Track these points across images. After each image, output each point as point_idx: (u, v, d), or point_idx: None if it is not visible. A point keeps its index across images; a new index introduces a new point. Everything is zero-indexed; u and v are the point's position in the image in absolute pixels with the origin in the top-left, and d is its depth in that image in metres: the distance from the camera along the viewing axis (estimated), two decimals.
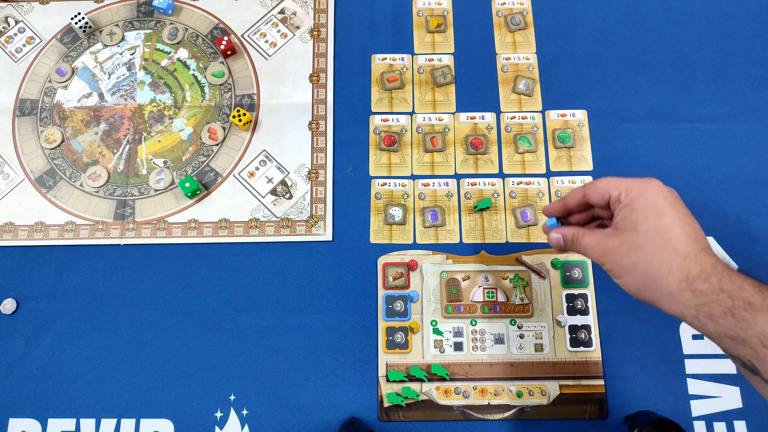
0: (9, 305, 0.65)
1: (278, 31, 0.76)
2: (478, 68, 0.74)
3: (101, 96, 0.74)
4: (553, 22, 0.76)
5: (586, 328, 0.63)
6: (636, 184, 0.44)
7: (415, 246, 0.67)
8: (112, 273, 0.66)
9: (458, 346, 0.63)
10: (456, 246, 0.67)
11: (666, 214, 0.42)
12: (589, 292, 0.65)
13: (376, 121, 0.72)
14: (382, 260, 0.66)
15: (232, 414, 0.61)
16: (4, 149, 0.72)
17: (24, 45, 0.76)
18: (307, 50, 0.75)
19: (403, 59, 0.75)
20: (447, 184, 0.69)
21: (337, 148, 0.71)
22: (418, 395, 0.61)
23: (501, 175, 0.70)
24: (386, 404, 0.61)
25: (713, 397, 0.61)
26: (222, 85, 0.74)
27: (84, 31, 0.76)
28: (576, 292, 0.65)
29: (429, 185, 0.69)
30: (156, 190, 0.70)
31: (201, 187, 0.69)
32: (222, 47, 0.73)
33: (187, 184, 0.67)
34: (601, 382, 0.61)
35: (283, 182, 0.70)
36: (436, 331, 0.63)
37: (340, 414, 0.61)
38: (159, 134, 0.72)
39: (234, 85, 0.74)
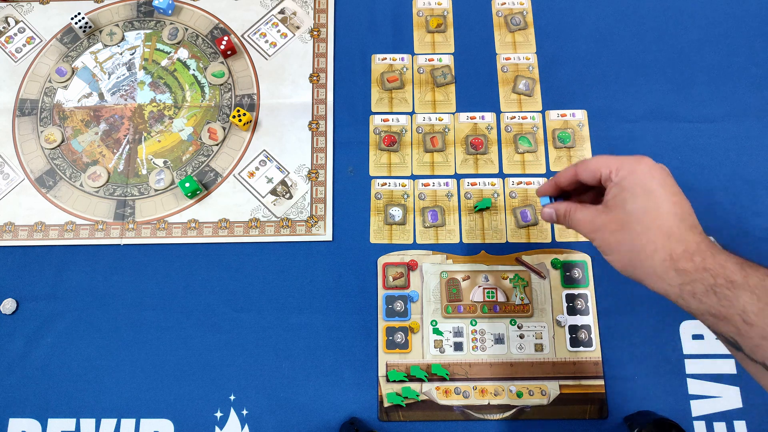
0: (9, 305, 0.65)
1: (278, 31, 0.76)
2: (478, 68, 0.74)
3: (101, 96, 0.74)
4: (553, 22, 0.76)
5: (586, 328, 0.63)
6: (626, 163, 0.44)
7: (415, 246, 0.67)
8: (112, 273, 0.66)
9: (458, 346, 0.63)
10: (456, 246, 0.67)
11: (654, 193, 0.43)
12: (589, 292, 0.65)
13: (376, 121, 0.72)
14: (382, 260, 0.66)
15: (232, 414, 0.61)
16: (4, 149, 0.72)
17: (24, 45, 0.76)
18: (307, 50, 0.75)
19: (403, 59, 0.75)
20: (447, 184, 0.69)
21: (337, 148, 0.71)
22: (418, 395, 0.61)
23: (501, 175, 0.70)
24: (386, 404, 0.61)
25: (713, 397, 0.61)
26: (222, 85, 0.74)
27: (84, 31, 0.76)
28: (576, 292, 0.65)
29: (429, 185, 0.69)
30: (156, 190, 0.70)
31: (201, 187, 0.69)
32: (222, 47, 0.73)
33: (187, 184, 0.67)
34: (601, 382, 0.61)
35: (283, 182, 0.70)
36: (436, 331, 0.63)
37: (340, 414, 0.61)
38: (159, 134, 0.72)
39: (234, 85, 0.74)
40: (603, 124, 0.71)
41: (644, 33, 0.75)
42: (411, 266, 0.66)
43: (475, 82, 0.74)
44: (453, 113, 0.72)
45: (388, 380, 0.62)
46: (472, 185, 0.69)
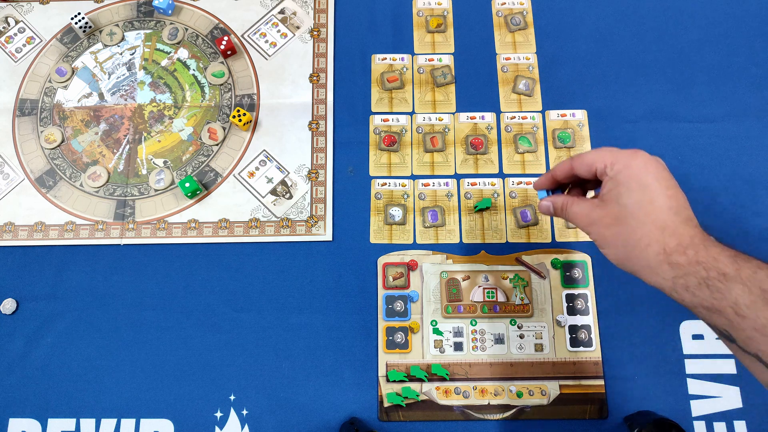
0: (9, 305, 0.65)
1: (278, 31, 0.76)
2: (478, 68, 0.74)
3: (101, 96, 0.74)
4: (553, 22, 0.76)
5: (586, 328, 0.63)
6: (621, 157, 0.45)
7: (415, 246, 0.67)
8: (112, 273, 0.66)
9: (458, 346, 0.63)
10: (456, 246, 0.67)
11: (649, 187, 0.43)
12: (589, 292, 0.65)
13: (376, 121, 0.72)
14: (382, 260, 0.66)
15: (232, 414, 0.61)
16: (4, 149, 0.72)
17: (24, 45, 0.76)
18: (307, 50, 0.75)
19: (403, 59, 0.75)
20: (447, 184, 0.69)
21: (337, 148, 0.71)
22: (418, 395, 0.61)
23: (501, 175, 0.70)
24: (386, 404, 0.61)
25: (713, 397, 0.61)
26: (222, 85, 0.74)
27: (84, 31, 0.76)
28: (576, 292, 0.65)
29: (429, 185, 0.69)
30: (156, 190, 0.70)
31: (201, 187, 0.69)
32: (222, 47, 0.73)
33: (187, 184, 0.67)
34: (601, 382, 0.61)
35: (283, 182, 0.70)
36: (436, 331, 0.63)
37: (340, 414, 0.61)
38: (159, 134, 0.72)
39: (234, 85, 0.74)
40: (603, 124, 0.71)
41: (644, 33, 0.75)
42: (411, 266, 0.66)
43: (475, 82, 0.74)
44: (453, 113, 0.72)
45: (388, 380, 0.62)
46: (472, 185, 0.69)
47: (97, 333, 0.64)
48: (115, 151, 0.71)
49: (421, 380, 0.62)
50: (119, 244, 0.68)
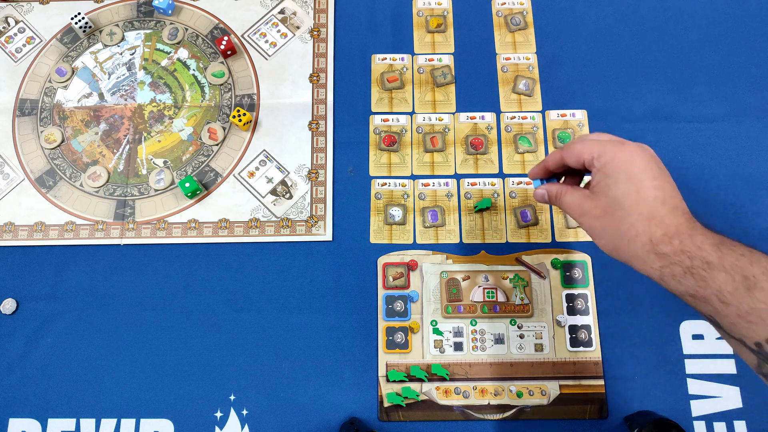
0: (9, 305, 0.65)
1: (278, 31, 0.76)
2: (478, 68, 0.74)
3: (101, 96, 0.74)
4: (553, 22, 0.76)
5: (586, 328, 0.63)
6: (608, 149, 0.45)
7: (415, 246, 0.67)
8: (112, 273, 0.66)
9: (458, 346, 0.63)
10: (456, 246, 0.67)
11: (635, 179, 0.44)
12: (589, 292, 0.65)
13: (376, 121, 0.72)
14: (382, 260, 0.66)
15: (232, 414, 0.61)
16: (4, 149, 0.72)
17: (24, 45, 0.76)
18: (307, 50, 0.75)
19: (403, 59, 0.75)
20: (447, 184, 0.69)
21: (337, 148, 0.71)
22: (418, 395, 0.61)
23: (501, 175, 0.70)
24: (386, 404, 0.61)
25: (713, 397, 0.61)
26: (222, 85, 0.74)
27: (84, 31, 0.76)
28: (576, 292, 0.65)
29: (429, 185, 0.69)
30: (156, 190, 0.70)
31: (201, 187, 0.69)
32: (222, 47, 0.73)
33: (187, 184, 0.67)
34: (601, 382, 0.61)
35: (283, 182, 0.70)
36: (436, 331, 0.63)
37: (340, 414, 0.61)
38: (159, 134, 0.72)
39: (234, 85, 0.74)
40: (603, 124, 0.71)
41: (644, 33, 0.75)
42: (411, 266, 0.66)
43: (475, 82, 0.74)
44: (453, 113, 0.72)
45: (388, 380, 0.62)
46: (472, 185, 0.69)
47: (97, 333, 0.64)
48: (115, 151, 0.71)
49: (421, 380, 0.62)
50: (119, 244, 0.68)
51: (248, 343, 0.63)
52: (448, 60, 0.75)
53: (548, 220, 0.68)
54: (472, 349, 0.63)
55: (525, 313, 0.64)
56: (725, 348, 0.62)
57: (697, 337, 0.63)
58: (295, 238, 0.67)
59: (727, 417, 0.60)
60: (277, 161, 0.70)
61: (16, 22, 0.77)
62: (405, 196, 0.69)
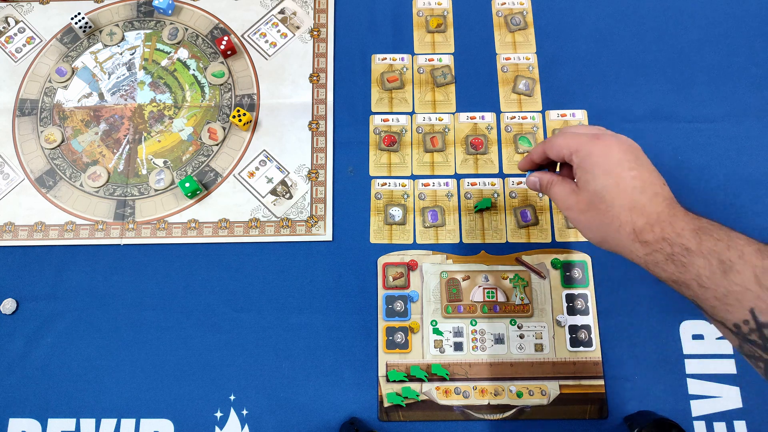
0: (9, 305, 0.65)
1: (278, 31, 0.76)
2: (478, 68, 0.74)
3: (101, 96, 0.74)
4: (553, 22, 0.76)
5: (586, 328, 0.63)
6: (584, 145, 0.47)
7: (415, 246, 0.67)
8: (112, 273, 0.66)
9: (458, 346, 0.63)
10: (456, 246, 0.67)
11: (612, 172, 0.45)
12: (589, 292, 0.65)
13: (376, 121, 0.72)
14: (382, 260, 0.66)
15: (232, 414, 0.61)
16: (4, 149, 0.72)
17: (24, 45, 0.76)
18: (307, 50, 0.75)
19: (403, 59, 0.75)
20: (447, 184, 0.69)
21: (337, 148, 0.71)
22: (418, 395, 0.61)
23: (501, 175, 0.70)
24: (386, 404, 0.61)
25: (713, 397, 0.61)
26: (222, 85, 0.74)
27: (84, 31, 0.76)
28: (576, 292, 0.65)
29: (429, 185, 0.69)
30: (156, 190, 0.70)
31: (201, 187, 0.69)
32: (222, 47, 0.73)
33: (187, 184, 0.67)
34: (601, 382, 0.61)
35: (283, 182, 0.70)
36: (436, 331, 0.63)
37: (340, 414, 0.61)
38: (159, 134, 0.72)
39: (234, 85, 0.74)
40: (603, 124, 0.70)
41: (644, 33, 0.75)
42: (411, 266, 0.66)
43: (475, 82, 0.74)
44: (453, 113, 0.72)
45: (388, 380, 0.62)
46: (472, 185, 0.69)
47: (97, 333, 0.64)
48: (115, 151, 0.71)
49: (421, 380, 0.62)
50: (119, 244, 0.68)
51: (248, 343, 0.63)
52: (448, 60, 0.75)
53: (548, 220, 0.68)
54: (472, 349, 0.63)
55: (525, 313, 0.64)
56: (725, 348, 0.62)
57: (697, 337, 0.63)
58: (295, 238, 0.67)
59: (727, 417, 0.60)
60: (277, 161, 0.70)
61: (16, 22, 0.77)
62: (405, 196, 0.69)
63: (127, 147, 0.72)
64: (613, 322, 0.63)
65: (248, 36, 0.76)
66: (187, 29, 0.76)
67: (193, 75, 0.74)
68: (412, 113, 0.72)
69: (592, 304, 0.64)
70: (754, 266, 0.38)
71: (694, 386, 0.61)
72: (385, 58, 0.75)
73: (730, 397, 0.61)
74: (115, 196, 0.69)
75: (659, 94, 0.72)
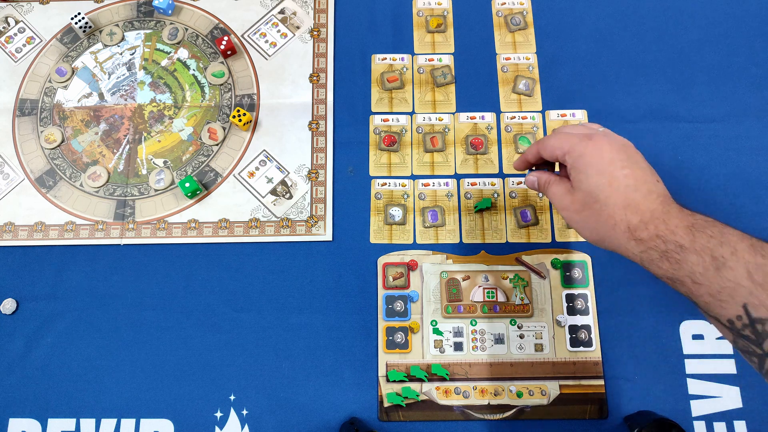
0: (9, 305, 0.65)
1: (278, 31, 0.76)
2: (478, 68, 0.74)
3: (101, 96, 0.74)
4: (553, 22, 0.76)
5: (586, 328, 0.63)
6: (576, 146, 0.47)
7: (415, 246, 0.67)
8: (112, 273, 0.66)
9: (458, 346, 0.63)
10: (456, 246, 0.67)
11: (605, 172, 0.45)
12: (589, 292, 0.65)
13: (376, 121, 0.72)
14: (382, 260, 0.66)
15: (232, 414, 0.61)
16: (4, 149, 0.72)
17: (24, 45, 0.76)
18: (307, 50, 0.75)
19: (403, 59, 0.75)
20: (447, 184, 0.69)
21: (337, 148, 0.71)
22: (418, 395, 0.61)
23: (501, 175, 0.70)
24: (386, 404, 0.61)
25: (713, 397, 0.61)
26: (222, 85, 0.74)
27: (84, 31, 0.76)
28: (576, 292, 0.65)
29: (429, 185, 0.69)
30: (156, 190, 0.70)
31: (201, 187, 0.69)
32: (222, 47, 0.73)
33: (187, 184, 0.67)
34: (601, 382, 0.61)
35: (283, 182, 0.70)
36: (436, 331, 0.63)
37: (340, 414, 0.61)
38: (159, 134, 0.72)
39: (234, 85, 0.74)
40: (603, 124, 0.70)
41: (644, 33, 0.75)
42: (411, 266, 0.66)
43: (475, 82, 0.74)
44: (453, 113, 0.72)
45: (388, 380, 0.62)
46: (472, 185, 0.69)
47: (97, 333, 0.64)
48: (115, 151, 0.71)
49: (421, 380, 0.62)
50: (119, 244, 0.68)
51: (248, 343, 0.63)
52: (448, 60, 0.75)
53: (548, 220, 0.68)
54: (472, 349, 0.63)
55: (525, 313, 0.64)
56: (725, 348, 0.62)
57: (697, 337, 0.63)
58: (295, 238, 0.67)
59: (727, 417, 0.60)
60: (277, 161, 0.70)
61: (16, 22, 0.77)
62: (405, 196, 0.69)
63: (127, 147, 0.72)
64: (613, 322, 0.63)
65: (248, 36, 0.76)
66: (187, 29, 0.76)
67: (193, 75, 0.74)
68: (412, 113, 0.72)
69: (592, 304, 0.64)
70: (747, 262, 0.38)
71: (694, 386, 0.61)
72: (385, 58, 0.75)
73: (730, 397, 0.61)
74: (115, 196, 0.69)
75: (659, 94, 0.72)
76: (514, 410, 0.61)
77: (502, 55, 0.75)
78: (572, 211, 0.48)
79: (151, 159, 0.71)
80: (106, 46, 0.76)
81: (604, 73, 0.73)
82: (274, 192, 0.69)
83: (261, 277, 0.66)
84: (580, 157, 0.47)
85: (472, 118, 0.72)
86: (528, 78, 0.73)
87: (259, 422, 0.61)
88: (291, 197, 0.69)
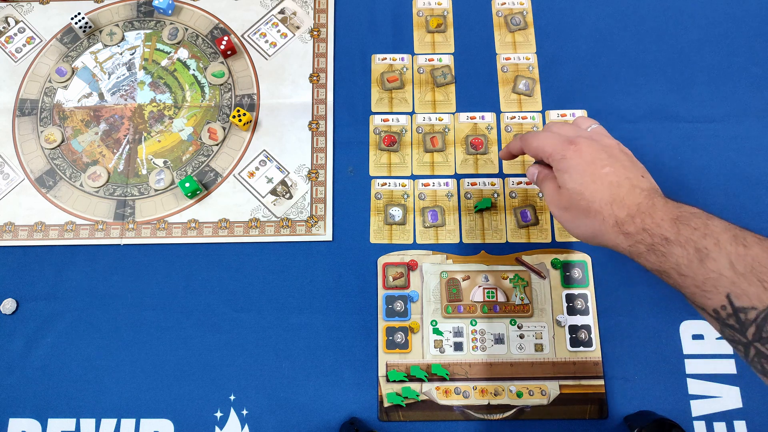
0: (9, 305, 0.65)
1: (278, 31, 0.76)
2: (478, 68, 0.74)
3: (101, 96, 0.74)
4: (553, 22, 0.76)
5: (586, 328, 0.63)
6: (557, 149, 0.49)
7: (415, 246, 0.67)
8: (112, 273, 0.66)
9: (458, 346, 0.63)
10: (456, 246, 0.67)
11: (587, 172, 0.47)
12: (589, 292, 0.65)
13: (376, 121, 0.72)
14: (382, 260, 0.66)
15: (232, 414, 0.61)
16: (4, 149, 0.72)
17: (24, 45, 0.76)
18: (307, 50, 0.75)
19: (403, 59, 0.75)
20: (447, 184, 0.69)
21: (337, 148, 0.71)
22: (418, 395, 0.61)
23: (501, 175, 0.70)
24: (386, 404, 0.61)
25: (713, 397, 0.61)
26: (222, 85, 0.74)
27: (84, 31, 0.76)
28: (576, 292, 0.65)
29: (429, 185, 0.69)
30: (156, 190, 0.70)
31: (201, 187, 0.69)
32: (222, 47, 0.73)
33: (187, 184, 0.67)
34: (601, 382, 0.61)
35: (283, 182, 0.70)
36: (436, 331, 0.63)
37: (340, 414, 0.61)
38: (159, 134, 0.72)
39: (234, 85, 0.74)
40: (603, 124, 0.70)
41: (644, 33, 0.75)
42: (411, 266, 0.66)
43: (475, 82, 0.74)
44: (453, 113, 0.72)
45: (388, 380, 0.62)
46: (472, 185, 0.69)
47: (97, 333, 0.64)
48: (115, 151, 0.71)
49: (421, 380, 0.62)
50: (119, 244, 0.68)
51: (248, 343, 0.63)
52: (448, 60, 0.75)
53: (548, 220, 0.68)
54: (472, 349, 0.63)
55: (525, 313, 0.64)
56: (725, 348, 0.62)
57: (697, 337, 0.63)
58: (295, 238, 0.67)
59: (727, 417, 0.60)
60: (277, 161, 0.70)
61: (16, 22, 0.77)
62: (405, 196, 0.69)
63: (127, 147, 0.72)
64: (613, 322, 0.63)
65: (248, 36, 0.76)
66: (187, 29, 0.76)
67: (193, 75, 0.74)
68: (412, 113, 0.72)
69: (592, 304, 0.64)
70: (729, 253, 0.39)
71: (694, 386, 0.61)
72: (385, 58, 0.75)
73: (730, 397, 0.61)
74: (115, 196, 0.69)
75: (659, 94, 0.72)
76: (514, 410, 0.61)
77: (502, 55, 0.75)
78: (561, 209, 0.49)
79: (151, 159, 0.71)
80: (106, 46, 0.76)
81: (604, 73, 0.73)
82: (274, 192, 0.69)
83: (261, 277, 0.66)
84: (563, 160, 0.48)
85: (472, 118, 0.72)
86: (528, 78, 0.73)
87: (259, 422, 0.61)
88: (291, 197, 0.69)
